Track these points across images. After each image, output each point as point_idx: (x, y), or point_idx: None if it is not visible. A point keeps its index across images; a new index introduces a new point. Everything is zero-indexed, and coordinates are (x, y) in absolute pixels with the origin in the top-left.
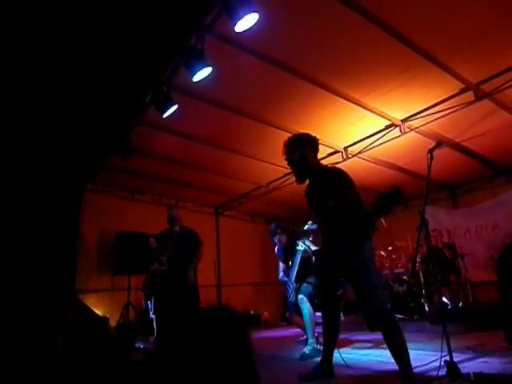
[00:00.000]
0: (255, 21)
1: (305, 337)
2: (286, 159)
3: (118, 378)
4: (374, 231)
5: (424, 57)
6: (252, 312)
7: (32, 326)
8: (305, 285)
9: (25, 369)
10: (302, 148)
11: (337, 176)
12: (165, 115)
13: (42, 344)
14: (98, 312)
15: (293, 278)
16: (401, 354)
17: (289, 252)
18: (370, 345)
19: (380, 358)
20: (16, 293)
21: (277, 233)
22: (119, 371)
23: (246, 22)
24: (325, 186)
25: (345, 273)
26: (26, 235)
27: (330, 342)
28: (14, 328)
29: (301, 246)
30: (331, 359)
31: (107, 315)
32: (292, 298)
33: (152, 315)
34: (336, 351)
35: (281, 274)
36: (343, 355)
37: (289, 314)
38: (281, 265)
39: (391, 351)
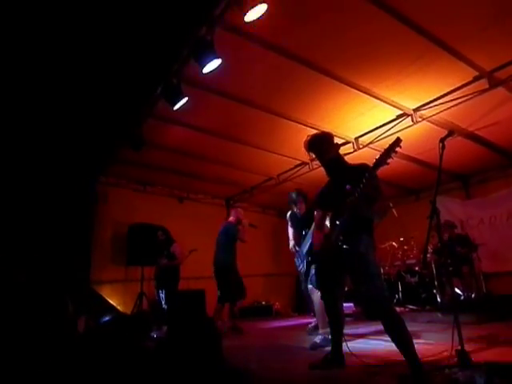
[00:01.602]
0: (265, 10)
1: (313, 324)
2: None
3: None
4: (383, 217)
5: (436, 44)
6: (263, 303)
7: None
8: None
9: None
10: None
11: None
12: (175, 107)
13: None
14: (113, 302)
15: (304, 250)
16: (403, 343)
17: (304, 222)
18: (381, 335)
19: (391, 347)
20: (33, 283)
21: (298, 201)
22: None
23: (256, 12)
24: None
25: (344, 264)
26: (41, 228)
27: (337, 331)
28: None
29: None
30: (341, 348)
31: (120, 305)
32: (302, 268)
33: (164, 305)
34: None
35: (291, 242)
36: (356, 345)
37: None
38: (290, 232)
39: (393, 341)
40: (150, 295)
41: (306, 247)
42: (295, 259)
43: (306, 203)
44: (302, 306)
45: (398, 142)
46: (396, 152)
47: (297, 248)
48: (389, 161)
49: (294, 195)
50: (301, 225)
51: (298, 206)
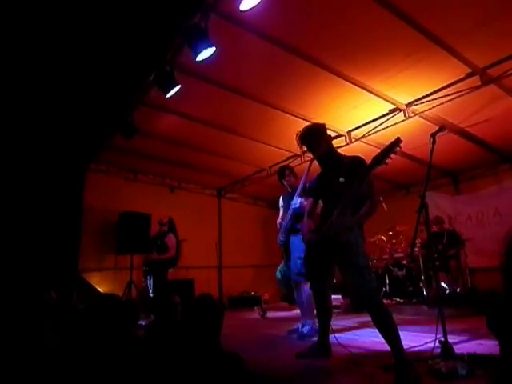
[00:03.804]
0: None
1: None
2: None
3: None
4: (373, 213)
5: (431, 40)
6: (252, 293)
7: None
8: (294, 261)
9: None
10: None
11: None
12: (168, 95)
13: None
14: (102, 290)
15: (286, 224)
16: (390, 335)
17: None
18: (367, 326)
19: (377, 338)
20: (20, 270)
21: (286, 174)
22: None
23: (251, 0)
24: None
25: (333, 255)
26: (28, 215)
27: (325, 321)
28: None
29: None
30: (327, 338)
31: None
32: (281, 240)
33: (151, 294)
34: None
35: (278, 220)
36: (343, 336)
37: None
38: (281, 213)
39: (380, 332)
40: (139, 284)
41: (287, 223)
42: (279, 235)
43: (295, 175)
44: (291, 296)
45: (397, 142)
46: (395, 152)
47: (282, 222)
48: (387, 161)
49: (280, 169)
50: (289, 202)
51: (287, 180)
